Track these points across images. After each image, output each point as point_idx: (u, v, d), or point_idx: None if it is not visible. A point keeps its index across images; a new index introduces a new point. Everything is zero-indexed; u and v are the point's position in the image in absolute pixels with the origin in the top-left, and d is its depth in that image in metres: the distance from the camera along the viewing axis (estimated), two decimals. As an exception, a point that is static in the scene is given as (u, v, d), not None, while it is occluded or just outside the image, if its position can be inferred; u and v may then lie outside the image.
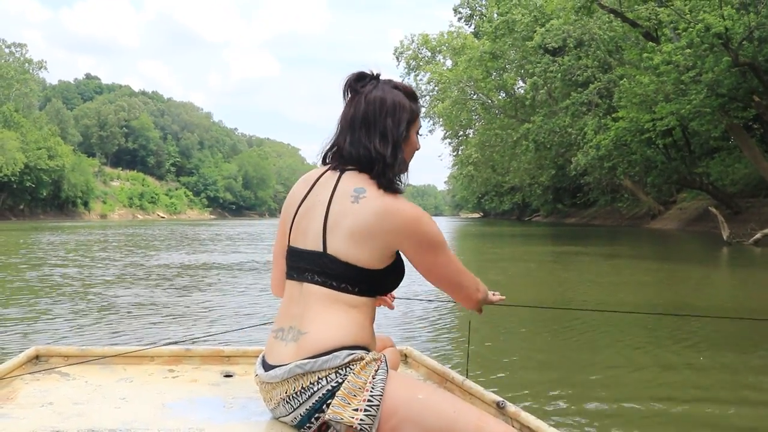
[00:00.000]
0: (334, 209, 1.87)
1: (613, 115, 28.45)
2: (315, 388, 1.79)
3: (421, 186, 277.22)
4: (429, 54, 52.73)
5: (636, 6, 24.19)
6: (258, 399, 2.07)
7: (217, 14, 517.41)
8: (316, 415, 1.80)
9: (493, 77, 41.74)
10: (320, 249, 1.86)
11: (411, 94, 2.04)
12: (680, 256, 17.06)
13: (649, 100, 24.19)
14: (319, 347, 1.81)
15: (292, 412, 1.83)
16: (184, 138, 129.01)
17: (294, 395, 1.82)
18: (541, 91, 36.51)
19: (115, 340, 5.59)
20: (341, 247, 1.84)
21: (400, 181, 1.94)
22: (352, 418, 1.74)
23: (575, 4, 25.81)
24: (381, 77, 2.03)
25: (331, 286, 1.85)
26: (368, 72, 2.02)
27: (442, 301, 7.56)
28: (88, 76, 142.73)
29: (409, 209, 1.86)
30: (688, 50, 20.43)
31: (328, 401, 1.78)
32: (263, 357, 1.96)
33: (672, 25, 22.48)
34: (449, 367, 2.39)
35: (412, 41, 52.50)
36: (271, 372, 1.87)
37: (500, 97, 45.67)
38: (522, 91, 43.34)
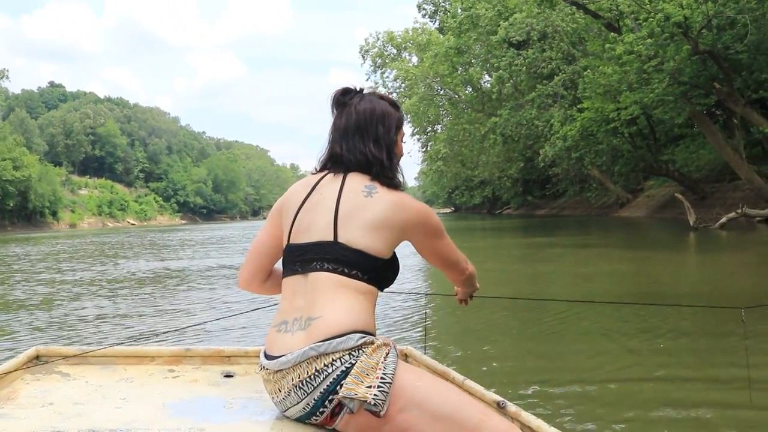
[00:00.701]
0: (345, 204, 1.96)
1: (578, 106, 28.78)
2: (329, 370, 1.82)
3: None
4: (395, 51, 52.84)
5: (597, -3, 24.45)
6: (259, 399, 2.08)
7: (179, 17, 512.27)
8: (330, 397, 1.82)
9: (459, 72, 41.90)
10: (330, 238, 1.94)
11: (395, 104, 2.18)
12: (648, 243, 17.31)
13: (613, 90, 24.50)
14: (333, 330, 1.85)
15: (305, 397, 1.84)
16: (152, 143, 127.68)
17: (308, 379, 1.83)
18: (507, 84, 36.69)
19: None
20: (353, 236, 1.93)
21: (399, 182, 2.08)
22: (366, 393, 1.77)
23: (537, -3, 26.04)
24: (364, 90, 2.17)
25: (342, 273, 1.91)
26: (352, 87, 2.16)
27: (431, 294, 7.60)
28: (51, 84, 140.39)
29: (417, 203, 2.04)
30: (649, 40, 20.69)
31: (342, 382, 1.81)
32: (265, 352, 1.97)
33: (633, 15, 22.75)
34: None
35: (378, 39, 52.60)
36: (283, 358, 1.87)
37: (467, 91, 45.89)
38: (488, 85, 43.52)
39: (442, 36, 46.53)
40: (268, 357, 1.94)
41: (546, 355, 4.97)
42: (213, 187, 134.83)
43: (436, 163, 53.49)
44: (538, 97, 32.70)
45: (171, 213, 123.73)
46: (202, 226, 78.22)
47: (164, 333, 6.07)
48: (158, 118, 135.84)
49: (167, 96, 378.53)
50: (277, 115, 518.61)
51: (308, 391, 1.84)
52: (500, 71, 35.21)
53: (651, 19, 20.30)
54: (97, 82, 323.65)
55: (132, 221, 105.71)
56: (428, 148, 58.17)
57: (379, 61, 52.17)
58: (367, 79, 52.19)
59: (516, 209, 64.33)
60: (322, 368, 1.83)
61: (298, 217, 2.03)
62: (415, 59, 50.91)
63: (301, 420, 1.89)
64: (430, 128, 54.16)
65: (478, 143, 41.55)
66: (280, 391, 1.90)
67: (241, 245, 23.16)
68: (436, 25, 54.02)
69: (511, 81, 36.17)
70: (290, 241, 2.04)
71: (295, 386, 1.85)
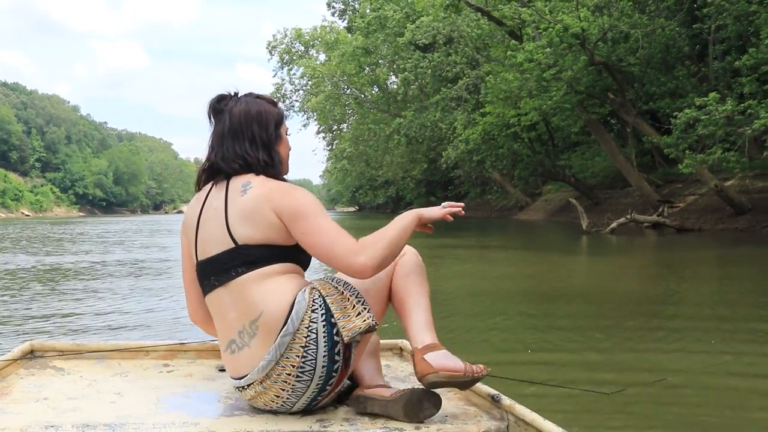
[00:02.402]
0: (231, 209, 1.97)
1: (480, 111, 29.43)
2: (315, 332, 1.87)
3: (297, 180, 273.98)
4: (302, 48, 52.62)
5: (501, 5, 25.09)
6: None
7: (80, 2, 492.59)
8: (336, 349, 1.88)
9: (366, 72, 42.20)
10: (232, 245, 1.95)
11: (273, 101, 2.17)
12: (544, 245, 17.89)
13: (513, 96, 25.16)
14: (281, 312, 1.89)
15: (315, 369, 1.87)
16: (50, 132, 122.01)
17: (304, 356, 1.86)
18: (413, 86, 37.22)
19: None
20: (248, 234, 1.94)
21: (276, 172, 2.08)
22: (366, 320, 1.89)
23: (444, 2, 26.49)
24: (239, 93, 2.15)
25: (259, 267, 1.93)
26: (227, 93, 2.14)
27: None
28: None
29: (289, 187, 2.01)
30: (549, 49, 21.39)
31: (335, 329, 1.88)
32: (233, 381, 1.99)
33: (534, 24, 23.47)
34: None
35: (285, 35, 52.26)
36: (262, 362, 1.88)
37: (373, 92, 46.17)
38: (394, 86, 43.99)
39: (350, 35, 46.69)
40: (240, 379, 1.95)
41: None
42: (114, 180, 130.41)
43: (341, 162, 53.62)
44: (442, 100, 33.26)
45: (69, 205, 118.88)
46: (101, 218, 75.50)
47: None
48: (57, 106, 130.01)
49: (66, 83, 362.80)
50: (181, 107, 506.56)
51: (313, 365, 1.87)
52: (406, 73, 35.67)
53: (551, 30, 20.98)
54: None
55: (26, 212, 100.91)
56: (333, 147, 58.19)
57: (287, 57, 51.84)
58: (274, 75, 52.23)
59: (419, 209, 65.01)
60: (307, 337, 1.87)
61: (198, 233, 2.04)
62: (322, 57, 50.83)
63: (319, 396, 1.91)
64: (335, 127, 54.19)
65: (383, 143, 41.90)
66: (282, 391, 1.90)
67: (144, 239, 22.49)
68: (345, 24, 54.12)
69: (417, 83, 36.70)
70: (198, 258, 2.04)
71: (296, 375, 1.87)
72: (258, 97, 2.14)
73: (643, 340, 5.19)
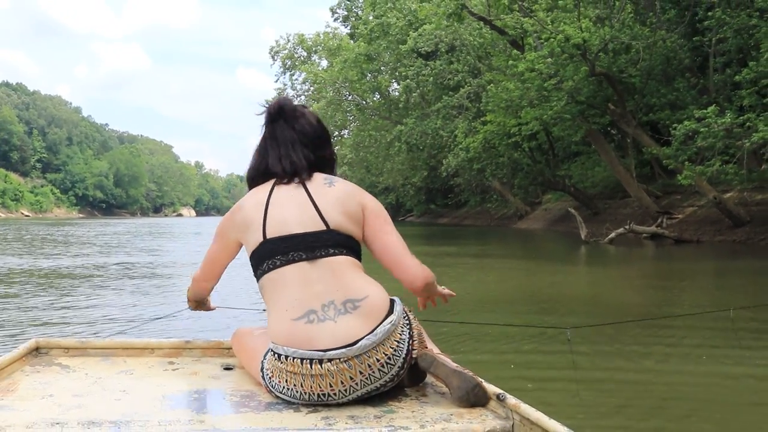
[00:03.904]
0: (320, 197, 2.13)
1: (481, 119, 29.51)
2: (405, 337, 2.04)
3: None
4: (305, 54, 52.64)
5: (503, 15, 25.20)
6: (258, 391, 2.10)
7: (81, 3, 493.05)
8: (407, 358, 2.03)
9: (368, 79, 42.21)
10: (323, 227, 2.08)
11: (318, 118, 2.36)
12: (543, 254, 17.96)
13: (514, 105, 25.21)
14: (384, 304, 2.04)
15: (393, 367, 2.00)
16: (51, 133, 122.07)
17: (393, 353, 2.00)
18: (414, 93, 37.26)
19: None
20: (339, 222, 2.10)
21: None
22: (422, 350, 2.09)
23: (446, 10, 26.60)
24: (295, 104, 2.34)
25: (347, 254, 2.08)
26: (284, 99, 2.33)
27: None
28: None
29: (362, 190, 2.25)
30: (550, 59, 21.49)
31: (409, 344, 2.05)
32: (299, 351, 1.98)
33: (536, 34, 23.59)
34: None
35: (288, 41, 52.30)
36: (364, 341, 1.96)
37: (375, 98, 46.21)
38: (396, 94, 44.05)
39: (352, 42, 46.76)
40: (316, 351, 1.97)
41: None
42: (114, 182, 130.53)
43: (342, 168, 53.42)
44: (443, 108, 33.34)
45: (69, 206, 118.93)
46: (101, 220, 75.50)
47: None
48: (59, 107, 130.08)
49: (66, 84, 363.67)
50: (182, 110, 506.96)
51: (395, 363, 2.00)
52: (408, 80, 35.78)
53: (552, 40, 21.08)
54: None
55: (26, 213, 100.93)
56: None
57: (289, 63, 51.93)
58: (276, 81, 51.94)
59: (419, 216, 65.09)
60: (399, 339, 2.02)
61: (268, 214, 2.11)
62: (324, 63, 50.92)
63: (373, 393, 2.00)
64: (336, 133, 54.22)
65: (384, 150, 41.91)
66: (360, 374, 1.96)
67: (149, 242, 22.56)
68: (348, 30, 54.23)
69: (418, 90, 36.77)
70: (268, 236, 2.09)
71: (382, 364, 1.98)
72: (305, 108, 2.36)
73: (632, 348, 5.26)
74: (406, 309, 2.11)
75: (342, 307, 1.99)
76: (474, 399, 1.96)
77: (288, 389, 1.99)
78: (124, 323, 6.33)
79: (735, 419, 3.61)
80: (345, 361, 1.94)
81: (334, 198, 2.13)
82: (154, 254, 16.88)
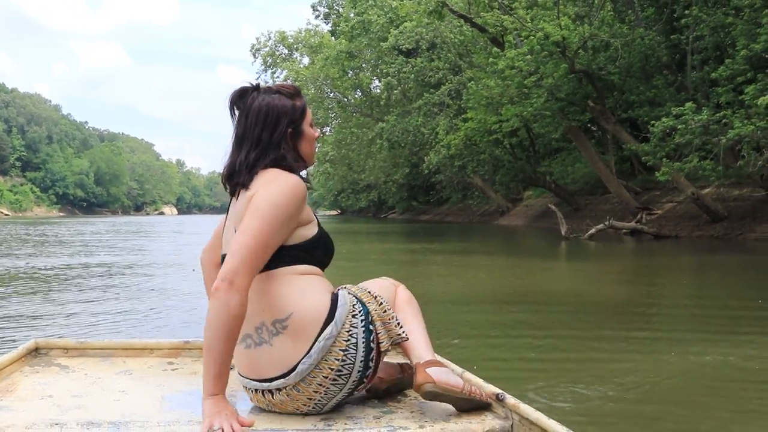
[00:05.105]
0: (229, 218, 2.01)
1: (462, 116, 29.59)
2: (354, 338, 1.88)
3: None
4: (286, 51, 52.53)
5: (483, 12, 25.28)
6: None
7: (58, 1, 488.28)
8: (370, 356, 1.89)
9: (349, 76, 42.25)
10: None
11: (292, 93, 2.10)
12: (523, 251, 18.04)
13: (495, 103, 25.29)
14: (317, 314, 1.87)
15: (350, 374, 1.87)
16: (31, 131, 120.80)
17: (343, 363, 1.86)
18: (396, 90, 37.32)
19: None
20: None
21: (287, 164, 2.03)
22: (400, 334, 1.96)
23: (427, 8, 26.65)
24: (261, 86, 2.09)
25: (272, 268, 1.89)
26: (248, 85, 2.09)
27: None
28: None
29: (274, 175, 1.96)
30: (530, 56, 21.60)
31: (372, 335, 1.90)
32: (251, 382, 1.92)
33: (516, 32, 23.71)
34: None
35: (269, 38, 52.15)
36: (299, 368, 1.83)
37: (356, 95, 46.22)
38: (377, 91, 44.12)
39: (334, 39, 46.73)
40: (262, 381, 1.90)
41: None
42: (95, 180, 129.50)
43: (324, 165, 53.54)
44: (424, 105, 33.41)
45: (49, 204, 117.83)
46: (82, 219, 74.78)
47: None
48: (38, 105, 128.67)
49: (46, 82, 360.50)
50: (163, 109, 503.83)
51: (350, 370, 1.87)
52: (389, 77, 35.86)
53: (532, 37, 21.18)
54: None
55: (5, 212, 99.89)
56: (316, 150, 58.10)
57: (270, 60, 51.78)
58: (258, 78, 51.58)
59: (401, 213, 65.14)
60: (347, 341, 1.87)
61: (224, 234, 2.08)
62: (306, 60, 50.84)
63: (347, 397, 1.92)
64: (318, 130, 54.13)
65: (366, 147, 41.97)
66: (315, 394, 1.86)
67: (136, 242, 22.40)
68: (329, 27, 54.17)
69: (400, 88, 36.83)
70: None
71: (333, 378, 1.86)
72: (277, 90, 2.08)
73: (617, 342, 5.35)
74: (361, 299, 1.96)
75: (273, 328, 1.86)
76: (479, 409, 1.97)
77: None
78: (124, 323, 6.33)
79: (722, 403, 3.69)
80: (293, 387, 1.85)
81: (234, 214, 1.97)
82: (140, 253, 16.79)
